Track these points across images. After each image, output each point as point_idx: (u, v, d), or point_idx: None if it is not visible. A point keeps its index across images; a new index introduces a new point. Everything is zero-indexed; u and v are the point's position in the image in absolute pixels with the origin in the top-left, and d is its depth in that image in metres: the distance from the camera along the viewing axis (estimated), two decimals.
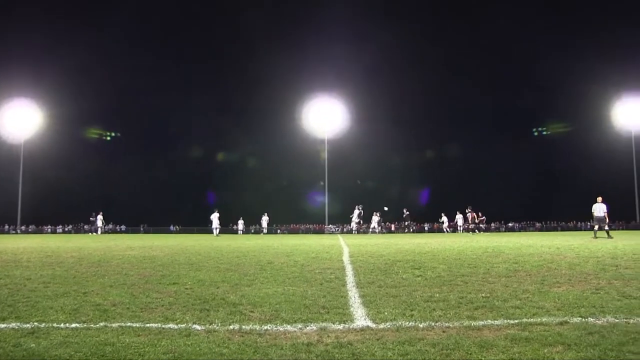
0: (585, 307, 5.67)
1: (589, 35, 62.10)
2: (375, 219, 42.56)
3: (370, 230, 42.83)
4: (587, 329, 4.68)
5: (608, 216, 23.71)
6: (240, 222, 49.54)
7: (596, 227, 23.25)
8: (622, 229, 54.21)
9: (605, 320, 5.05)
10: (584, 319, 5.09)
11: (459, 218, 41.69)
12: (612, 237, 21.66)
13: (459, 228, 42.02)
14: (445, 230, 43.54)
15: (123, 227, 59.38)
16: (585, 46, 62.14)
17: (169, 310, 5.73)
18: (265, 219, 46.86)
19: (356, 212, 42.44)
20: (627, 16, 60.70)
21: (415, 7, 63.76)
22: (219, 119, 62.53)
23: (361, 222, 43.61)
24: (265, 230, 47.10)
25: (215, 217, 37.64)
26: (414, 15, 63.85)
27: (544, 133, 63.61)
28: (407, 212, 45.31)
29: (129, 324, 5.05)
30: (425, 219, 57.95)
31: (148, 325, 5.00)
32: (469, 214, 40.21)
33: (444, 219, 43.89)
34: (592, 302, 5.91)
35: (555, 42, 64.45)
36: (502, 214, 57.54)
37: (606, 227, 23.11)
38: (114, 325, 5.00)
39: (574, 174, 59.20)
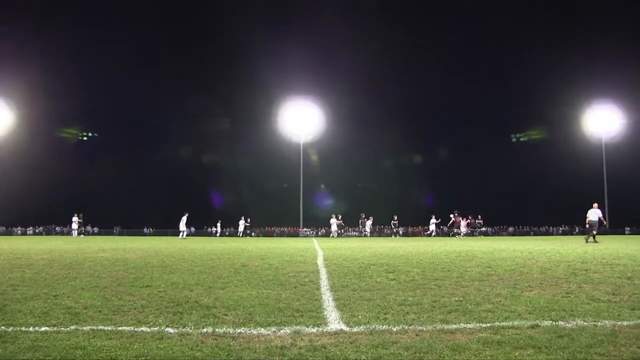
0: (556, 310, 5.76)
1: (562, 42, 63.32)
2: (334, 221, 43.10)
3: (331, 234, 43.35)
4: (557, 332, 4.75)
5: (604, 219, 24.28)
6: (218, 225, 49.47)
7: (594, 231, 23.81)
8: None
9: (574, 323, 5.14)
10: (554, 322, 5.17)
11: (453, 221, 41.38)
12: (597, 242, 22.26)
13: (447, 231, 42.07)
14: (433, 233, 43.53)
15: (96, 229, 58.61)
16: (559, 53, 63.32)
17: (141, 313, 5.67)
18: (242, 222, 46.69)
19: (333, 220, 43.21)
20: (599, 24, 61.85)
21: (396, 9, 64.09)
22: (196, 121, 62.08)
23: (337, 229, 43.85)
24: (240, 234, 46.93)
25: (183, 219, 37.28)
26: (395, 18, 64.17)
27: (521, 139, 64.57)
28: (396, 219, 45.82)
29: (100, 327, 4.99)
30: (405, 222, 58.29)
31: (120, 328, 4.94)
32: (454, 218, 40.26)
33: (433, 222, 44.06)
34: (562, 306, 6.01)
35: (531, 49, 65.41)
36: (476, 218, 58.04)
37: (594, 232, 23.70)
38: (85, 328, 4.93)
39: (546, 180, 60.19)
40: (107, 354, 4.13)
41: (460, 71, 66.82)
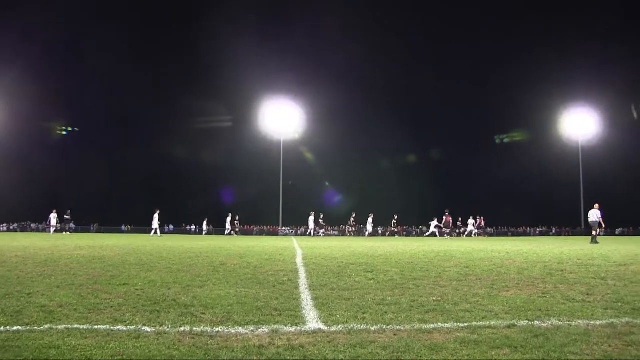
0: (532, 310, 5.82)
1: (543, 47, 64.10)
2: (313, 220, 43.18)
3: (308, 232, 43.48)
4: (533, 332, 4.81)
5: (603, 221, 24.89)
6: (204, 223, 49.38)
7: (594, 232, 24.29)
8: (568, 235, 56.01)
9: (550, 323, 5.20)
10: (530, 322, 5.22)
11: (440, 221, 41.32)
12: (598, 242, 22.71)
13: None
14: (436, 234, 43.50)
15: (72, 226, 57.88)
16: (539, 58, 64.09)
17: (118, 311, 5.61)
18: (229, 220, 46.55)
19: (311, 218, 43.16)
20: (577, 30, 62.76)
21: (381, 8, 64.21)
22: (175, 119, 61.71)
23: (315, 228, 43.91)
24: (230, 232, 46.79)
25: (155, 217, 36.95)
26: (379, 16, 64.29)
27: (505, 141, 65.23)
28: (396, 219, 46.06)
29: (75, 325, 4.92)
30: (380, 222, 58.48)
31: (96, 327, 4.89)
32: (446, 217, 40.29)
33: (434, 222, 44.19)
34: (538, 306, 6.08)
35: (512, 53, 66.07)
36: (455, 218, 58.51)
37: (594, 233, 24.17)
38: (59, 327, 4.85)
39: (524, 181, 60.89)
40: (82, 353, 4.07)
41: (444, 73, 67.34)
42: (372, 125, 62.19)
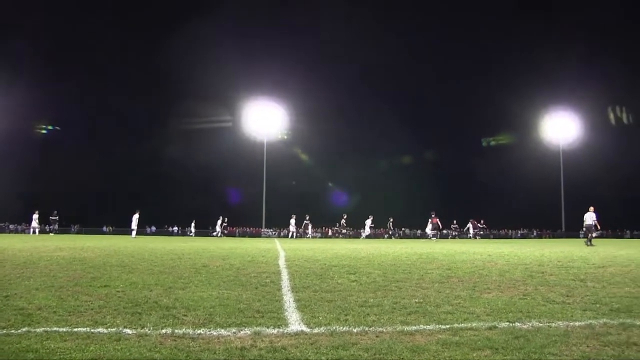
0: (513, 312, 5.88)
1: (524, 53, 64.83)
2: (293, 222, 43.16)
3: (290, 235, 43.48)
4: (514, 333, 4.85)
5: (599, 223, 25.32)
6: (192, 225, 49.32)
7: (589, 235, 24.56)
8: (549, 237, 56.56)
9: (530, 324, 5.26)
10: (511, 324, 5.27)
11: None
12: (593, 245, 22.90)
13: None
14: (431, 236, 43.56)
15: (56, 227, 57.13)
16: (520, 63, 64.79)
17: (98, 313, 5.56)
18: (219, 222, 46.39)
19: (293, 221, 43.20)
20: (558, 34, 63.57)
21: (365, 8, 64.45)
22: (157, 120, 61.35)
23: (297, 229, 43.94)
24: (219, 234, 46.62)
25: (134, 218, 36.69)
26: (363, 17, 64.51)
27: (492, 144, 65.89)
28: (392, 220, 46.27)
29: (55, 328, 4.86)
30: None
31: (76, 329, 4.84)
32: (432, 219, 40.19)
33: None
34: (519, 308, 6.13)
35: (494, 56, 66.70)
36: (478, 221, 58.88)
37: (589, 235, 24.45)
38: (38, 330, 4.79)
39: (506, 184, 61.43)
40: (61, 356, 4.03)
41: (432, 75, 67.83)
42: (359, 126, 62.53)
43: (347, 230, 47.74)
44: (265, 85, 57.45)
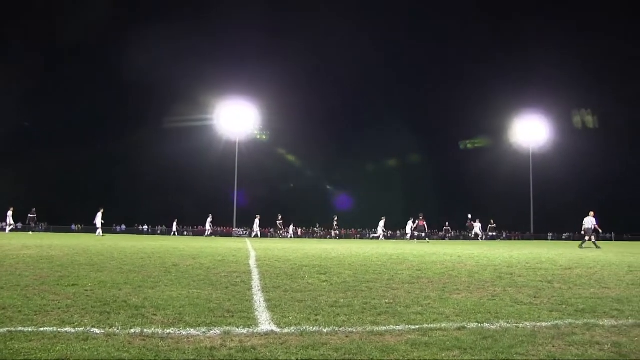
0: (482, 313, 5.95)
1: (500, 58, 65.77)
2: (258, 222, 43.53)
3: (254, 234, 43.62)
4: (482, 334, 4.91)
5: (600, 228, 26.10)
6: (174, 224, 49.06)
7: (586, 238, 25.26)
8: (518, 239, 57.43)
9: (498, 325, 5.33)
10: (480, 324, 5.34)
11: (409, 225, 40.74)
12: (599, 247, 23.51)
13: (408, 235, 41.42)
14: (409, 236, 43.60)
15: (19, 225, 55.97)
16: (496, 68, 65.72)
17: (66, 313, 5.47)
18: (209, 221, 46.12)
19: (257, 220, 43.54)
20: (529, 40, 64.66)
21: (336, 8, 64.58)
22: (129, 119, 60.60)
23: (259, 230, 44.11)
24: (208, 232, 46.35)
25: (98, 216, 36.26)
26: (338, 19, 64.64)
27: (465, 147, 66.64)
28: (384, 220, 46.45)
29: (20, 328, 4.76)
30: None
31: (42, 329, 4.75)
32: (419, 220, 40.10)
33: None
34: (488, 309, 6.21)
35: (468, 61, 67.54)
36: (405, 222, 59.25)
37: (593, 239, 25.13)
38: (2, 330, 4.68)
39: (476, 185, 62.18)
40: (26, 356, 3.95)
41: (404, 75, 68.38)
42: (332, 126, 62.63)
43: (338, 231, 47.95)
44: (239, 85, 57.25)
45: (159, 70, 56.08)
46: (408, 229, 40.39)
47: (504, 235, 61.71)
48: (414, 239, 37.83)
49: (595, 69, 62.51)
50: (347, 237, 54.30)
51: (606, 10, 64.58)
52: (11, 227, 38.35)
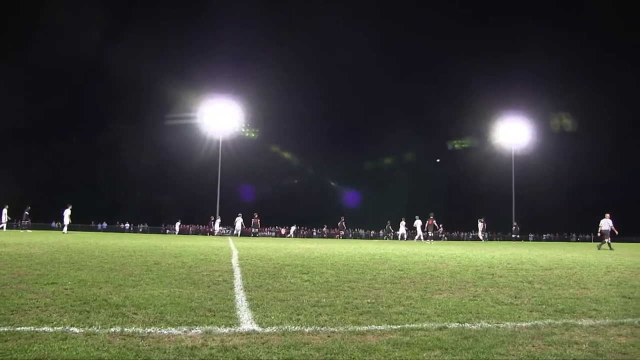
0: (463, 313, 5.98)
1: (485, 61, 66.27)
2: (240, 220, 43.83)
3: (235, 232, 43.92)
4: (464, 334, 4.94)
5: (617, 229, 26.38)
6: (178, 224, 48.79)
7: (605, 240, 25.42)
8: (499, 240, 57.87)
9: (479, 325, 5.36)
10: (461, 324, 5.36)
11: (418, 225, 40.30)
12: (612, 249, 23.68)
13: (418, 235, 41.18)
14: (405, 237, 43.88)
15: (27, 222, 55.05)
16: (479, 72, 66.23)
17: (44, 312, 5.40)
18: (218, 221, 45.96)
19: (239, 219, 43.86)
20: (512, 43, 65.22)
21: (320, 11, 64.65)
22: (109, 117, 60.08)
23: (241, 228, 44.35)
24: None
25: (66, 213, 35.91)
26: (314, 18, 64.70)
27: (457, 147, 67.04)
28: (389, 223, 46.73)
29: None
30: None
31: (19, 329, 4.67)
32: (429, 220, 39.90)
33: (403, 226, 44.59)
34: (469, 309, 6.24)
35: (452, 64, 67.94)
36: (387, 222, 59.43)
37: (608, 240, 25.32)
38: None
39: (458, 187, 62.58)
40: (2, 357, 3.88)
41: (392, 75, 68.64)
42: (312, 126, 62.60)
43: (345, 232, 48.19)
44: (227, 83, 57.11)
45: (144, 68, 55.78)
46: (419, 230, 40.06)
47: (486, 236, 62.12)
48: (429, 240, 37.67)
49: (577, 71, 63.31)
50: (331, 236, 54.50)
51: (589, 13, 65.42)
52: (2, 225, 37.83)
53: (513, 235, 47.55)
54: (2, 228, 37.69)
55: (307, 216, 58.93)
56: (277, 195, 60.43)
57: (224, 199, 55.63)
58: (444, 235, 46.72)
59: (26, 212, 40.31)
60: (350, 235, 53.30)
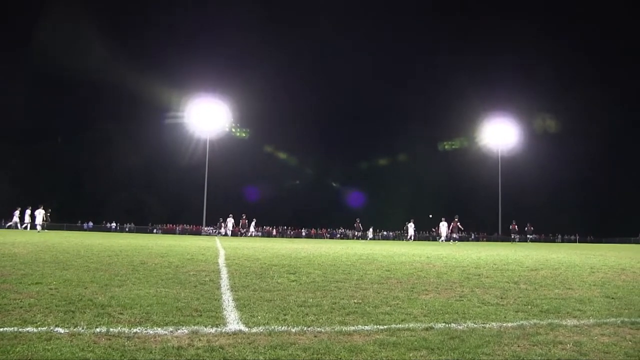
0: (450, 313, 6.01)
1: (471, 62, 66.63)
2: (231, 220, 44.22)
3: (224, 232, 44.26)
4: (450, 334, 4.96)
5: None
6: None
7: None
8: (485, 241, 58.18)
9: (466, 325, 5.39)
10: (447, 325, 5.39)
11: (444, 227, 40.61)
12: None
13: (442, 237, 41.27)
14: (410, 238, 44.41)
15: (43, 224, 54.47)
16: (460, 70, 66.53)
17: (28, 312, 5.35)
18: (230, 221, 45.94)
19: (230, 219, 44.29)
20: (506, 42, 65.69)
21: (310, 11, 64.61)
22: (95, 113, 59.65)
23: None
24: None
25: (38, 213, 36.57)
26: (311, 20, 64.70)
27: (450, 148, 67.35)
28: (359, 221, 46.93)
29: None
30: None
31: (2, 329, 4.61)
32: (454, 222, 39.89)
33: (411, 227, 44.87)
34: (455, 309, 6.27)
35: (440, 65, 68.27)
36: (375, 223, 59.64)
37: None
38: None
39: (446, 187, 62.86)
40: None
41: (383, 77, 68.83)
42: (305, 126, 62.65)
43: (361, 232, 48.47)
44: (215, 83, 56.90)
45: (129, 67, 55.42)
46: (443, 231, 40.02)
47: (472, 237, 62.46)
48: (454, 240, 37.64)
49: (564, 72, 63.85)
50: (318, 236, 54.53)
51: (575, 13, 66.03)
52: (18, 224, 37.72)
53: (529, 237, 47.89)
54: (26, 228, 37.66)
55: (300, 216, 58.94)
56: (273, 195, 60.33)
57: (211, 200, 55.62)
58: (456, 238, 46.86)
59: (47, 213, 40.13)
60: (374, 237, 53.06)
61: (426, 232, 57.61)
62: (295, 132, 62.33)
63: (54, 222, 52.24)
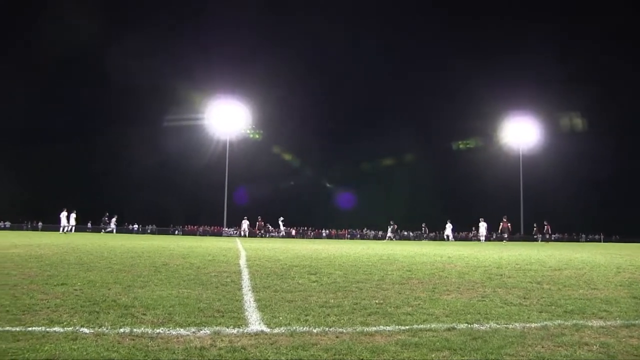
0: (472, 313, 5.96)
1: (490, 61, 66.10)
2: (246, 222, 44.71)
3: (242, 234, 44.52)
4: (472, 335, 4.92)
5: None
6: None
7: None
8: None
9: (488, 326, 5.34)
10: (469, 325, 5.35)
11: (483, 227, 40.97)
12: None
13: (481, 237, 41.78)
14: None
15: (7, 224, 55.45)
16: (488, 71, 66.04)
17: (54, 312, 5.43)
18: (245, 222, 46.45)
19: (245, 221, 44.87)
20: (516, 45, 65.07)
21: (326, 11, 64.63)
22: (109, 116, 60.24)
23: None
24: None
25: (64, 215, 37.13)
26: (323, 20, 64.66)
27: (457, 149, 66.99)
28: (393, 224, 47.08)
29: (7, 328, 4.73)
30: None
31: (30, 328, 4.71)
32: (503, 223, 40.02)
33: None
34: (477, 309, 6.22)
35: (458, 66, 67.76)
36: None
37: None
38: None
39: (467, 187, 62.41)
40: (13, 356, 3.91)
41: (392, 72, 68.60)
42: (315, 127, 62.65)
43: (395, 235, 48.77)
44: (232, 84, 57.20)
45: (149, 69, 55.89)
46: (482, 231, 40.30)
47: (494, 237, 61.89)
48: (506, 241, 37.67)
49: (586, 71, 63.04)
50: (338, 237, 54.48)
51: (597, 12, 65.18)
52: (67, 227, 38.39)
53: (547, 236, 47.51)
54: (70, 230, 38.26)
55: (312, 217, 58.99)
56: (278, 196, 60.46)
57: (230, 201, 55.95)
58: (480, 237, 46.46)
59: (113, 217, 40.82)
60: (396, 238, 52.98)
61: (463, 233, 57.26)
62: (310, 132, 62.45)
63: (77, 224, 52.91)
